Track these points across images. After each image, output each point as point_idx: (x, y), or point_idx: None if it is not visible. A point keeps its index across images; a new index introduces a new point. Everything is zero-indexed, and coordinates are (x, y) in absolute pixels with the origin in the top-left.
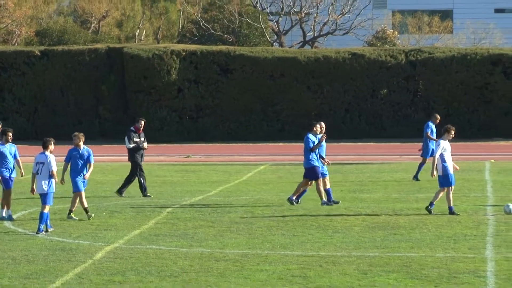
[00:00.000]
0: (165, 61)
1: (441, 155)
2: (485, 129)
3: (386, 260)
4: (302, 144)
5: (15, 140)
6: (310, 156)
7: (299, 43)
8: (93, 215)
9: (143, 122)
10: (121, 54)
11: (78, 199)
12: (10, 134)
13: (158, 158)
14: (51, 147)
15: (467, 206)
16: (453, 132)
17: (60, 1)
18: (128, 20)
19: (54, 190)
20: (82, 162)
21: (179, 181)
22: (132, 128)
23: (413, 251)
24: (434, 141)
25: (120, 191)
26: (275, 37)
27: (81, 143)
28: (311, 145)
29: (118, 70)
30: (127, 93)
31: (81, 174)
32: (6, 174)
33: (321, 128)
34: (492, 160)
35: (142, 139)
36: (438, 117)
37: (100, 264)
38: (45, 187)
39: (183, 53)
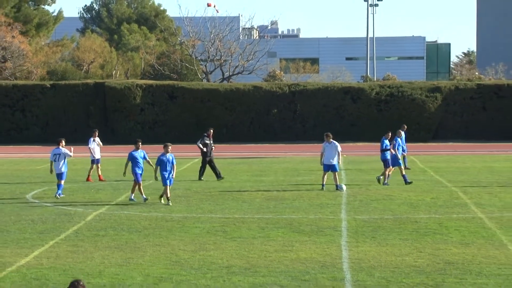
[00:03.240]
0: (132, 91)
1: (324, 150)
2: (341, 135)
3: (276, 220)
4: (222, 145)
5: (34, 143)
6: (384, 153)
7: (219, 79)
8: (170, 203)
9: (212, 130)
10: (103, 86)
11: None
12: (139, 142)
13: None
14: (62, 143)
15: (329, 186)
16: (330, 136)
17: (63, 51)
18: (108, 64)
19: (66, 170)
20: (169, 164)
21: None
22: (205, 134)
23: (294, 214)
24: (401, 145)
25: (200, 178)
26: (204, 75)
27: (169, 150)
28: (383, 147)
29: (101, 97)
30: (107, 112)
31: (169, 173)
32: (138, 171)
33: (390, 135)
34: (345, 155)
35: (211, 141)
36: (405, 126)
37: (90, 224)
38: (62, 168)
39: (144, 86)
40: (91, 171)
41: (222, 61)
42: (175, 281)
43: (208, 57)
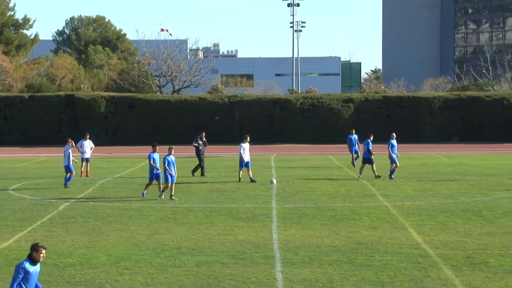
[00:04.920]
0: (98, 102)
1: (243, 150)
2: (272, 139)
3: (219, 209)
4: (174, 146)
5: (15, 145)
6: (367, 152)
7: (171, 92)
8: (175, 198)
9: (204, 134)
10: (73, 98)
11: (170, 186)
12: (157, 146)
13: (94, 154)
14: (71, 143)
15: (262, 179)
16: (248, 139)
17: (39, 68)
18: (77, 79)
19: (71, 164)
20: (173, 164)
21: (105, 166)
22: (198, 136)
23: (233, 204)
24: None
25: (193, 173)
26: (158, 88)
27: (173, 153)
28: (370, 147)
29: (71, 106)
30: (77, 119)
31: (173, 172)
32: (158, 171)
33: (395, 136)
34: (275, 154)
35: (204, 140)
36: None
37: (62, 212)
38: (66, 162)
39: (108, 97)
40: (82, 167)
41: (173, 76)
42: (134, 260)
43: (161, 73)
